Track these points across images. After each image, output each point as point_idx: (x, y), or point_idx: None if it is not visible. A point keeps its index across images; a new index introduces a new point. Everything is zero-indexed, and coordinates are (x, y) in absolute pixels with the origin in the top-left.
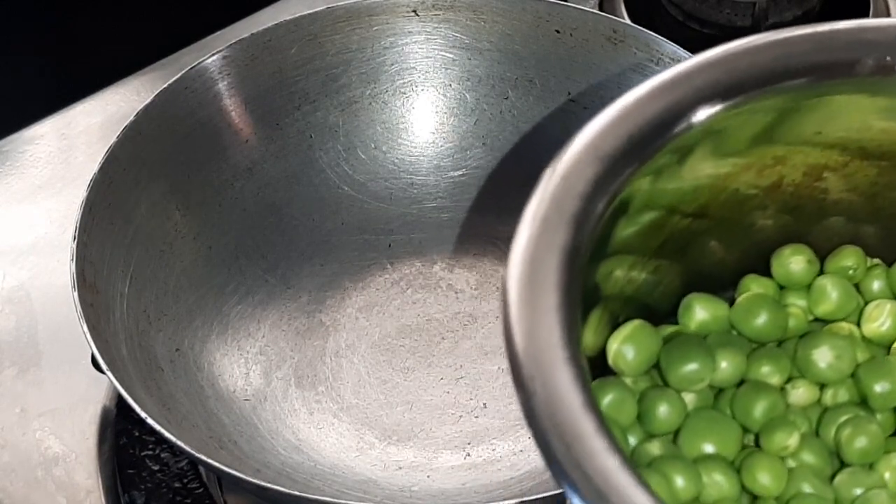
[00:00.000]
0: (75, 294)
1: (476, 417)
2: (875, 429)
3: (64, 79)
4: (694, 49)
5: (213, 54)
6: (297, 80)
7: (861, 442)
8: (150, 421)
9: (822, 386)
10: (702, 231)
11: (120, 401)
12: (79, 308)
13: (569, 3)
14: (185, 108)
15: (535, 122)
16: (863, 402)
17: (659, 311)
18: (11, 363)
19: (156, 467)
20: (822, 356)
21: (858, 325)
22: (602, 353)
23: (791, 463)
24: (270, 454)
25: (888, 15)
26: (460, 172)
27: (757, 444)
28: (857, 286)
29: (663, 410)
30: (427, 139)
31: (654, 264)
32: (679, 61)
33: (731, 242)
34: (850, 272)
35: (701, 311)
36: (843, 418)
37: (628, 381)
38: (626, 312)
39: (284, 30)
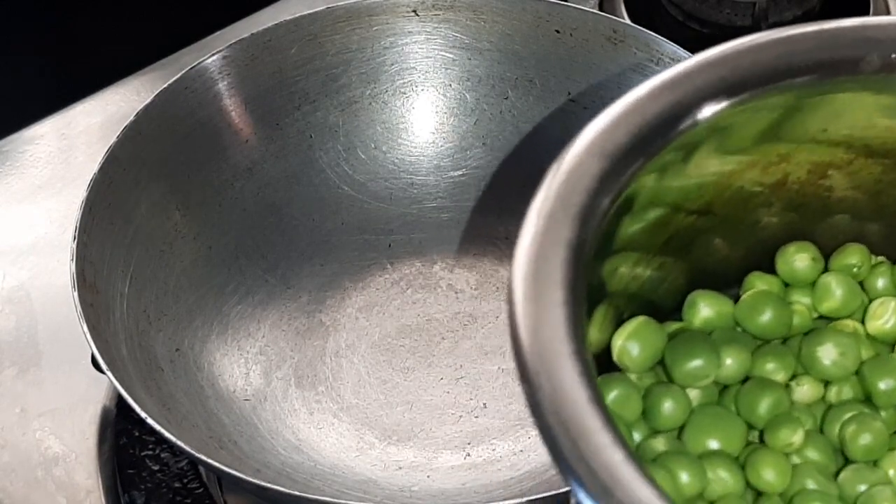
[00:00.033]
0: (75, 294)
1: (476, 417)
2: (879, 426)
3: (64, 79)
4: (694, 49)
5: (213, 54)
6: (297, 80)
7: (865, 439)
8: (150, 421)
9: (827, 383)
10: (706, 228)
11: (120, 401)
12: (79, 308)
13: (569, 3)
14: (185, 108)
15: (535, 122)
16: (867, 399)
17: (664, 307)
18: (11, 363)
19: (156, 467)
20: (827, 353)
21: (863, 322)
22: (607, 349)
23: (795, 459)
24: (270, 454)
25: (888, 14)
26: (460, 172)
27: (761, 440)
28: (861, 284)
29: (668, 407)
30: (427, 139)
31: (659, 261)
32: (679, 61)
33: (736, 239)
34: (855, 270)
35: (705, 308)
36: (848, 415)
37: (633, 377)
38: (630, 309)
39: (284, 30)
